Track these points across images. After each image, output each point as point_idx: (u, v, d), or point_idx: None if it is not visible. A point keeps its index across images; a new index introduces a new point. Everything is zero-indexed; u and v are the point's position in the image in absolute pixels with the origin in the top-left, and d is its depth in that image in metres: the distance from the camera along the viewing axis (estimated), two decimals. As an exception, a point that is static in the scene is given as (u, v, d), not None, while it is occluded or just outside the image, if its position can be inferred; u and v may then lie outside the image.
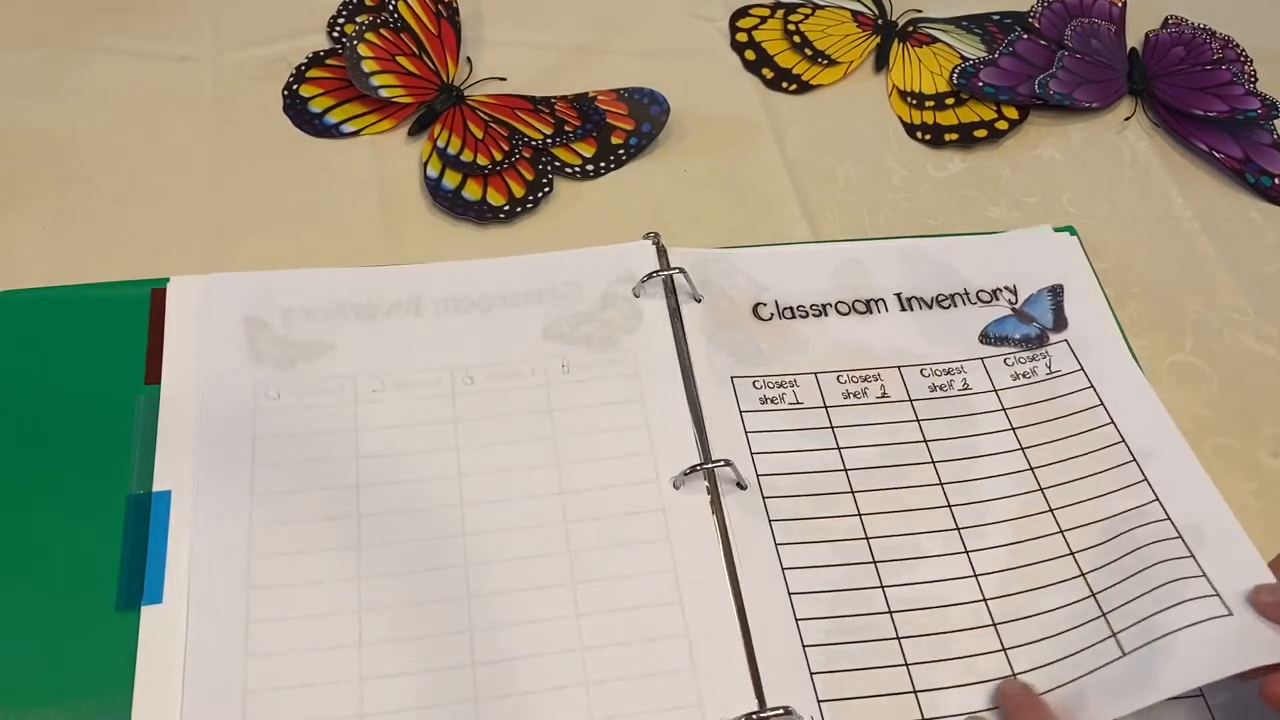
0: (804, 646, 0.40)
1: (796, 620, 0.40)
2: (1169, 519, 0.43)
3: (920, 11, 0.64)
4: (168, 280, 0.46)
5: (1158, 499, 0.44)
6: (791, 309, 0.49)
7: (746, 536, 0.42)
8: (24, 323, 0.45)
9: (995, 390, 0.47)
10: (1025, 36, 0.62)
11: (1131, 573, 0.41)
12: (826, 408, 0.46)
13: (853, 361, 0.48)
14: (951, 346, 0.49)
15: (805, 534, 0.42)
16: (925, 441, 0.46)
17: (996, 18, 0.65)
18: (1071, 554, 0.43)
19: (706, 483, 0.43)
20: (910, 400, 0.47)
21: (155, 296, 0.46)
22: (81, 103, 0.54)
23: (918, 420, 0.46)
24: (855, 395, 0.46)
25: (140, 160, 0.52)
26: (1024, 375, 0.48)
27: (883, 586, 0.41)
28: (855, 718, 0.38)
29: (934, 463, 0.45)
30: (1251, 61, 0.63)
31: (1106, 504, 0.44)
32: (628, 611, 0.40)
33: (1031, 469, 0.45)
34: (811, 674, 0.39)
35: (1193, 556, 0.41)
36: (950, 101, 0.59)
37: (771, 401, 0.46)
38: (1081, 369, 0.48)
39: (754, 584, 0.41)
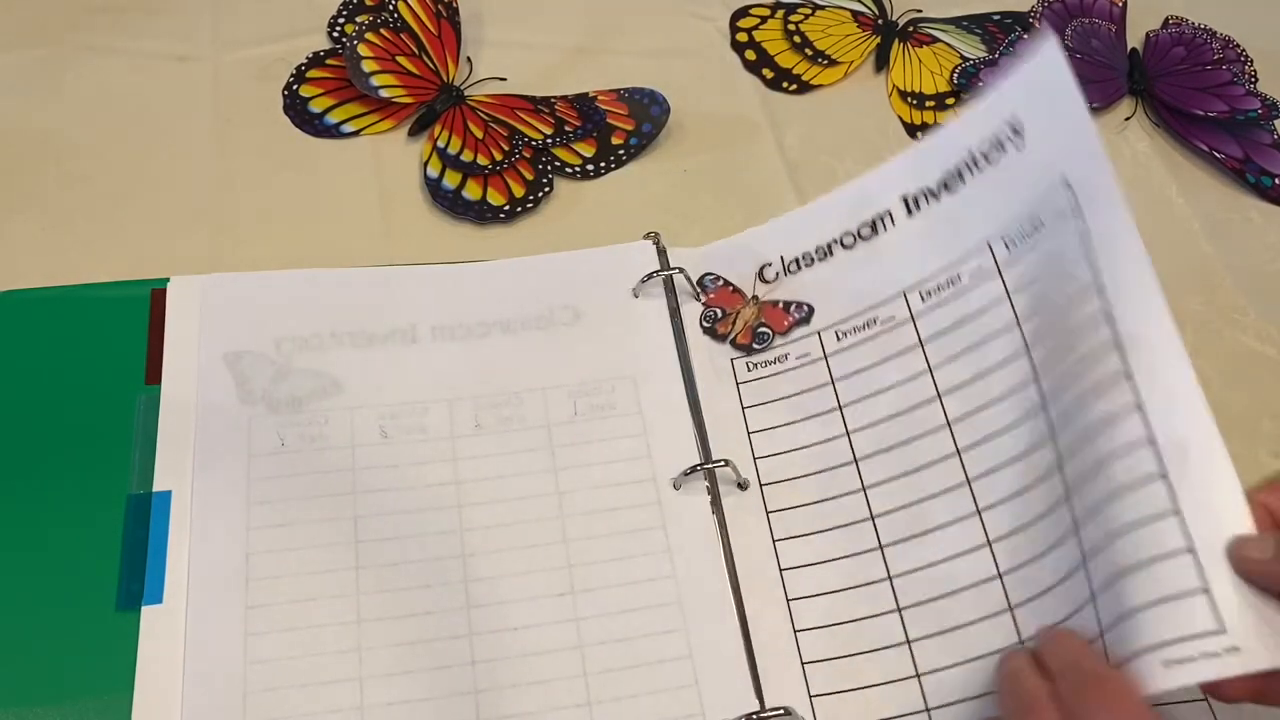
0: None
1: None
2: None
3: (920, 11, 0.64)
4: (168, 280, 0.46)
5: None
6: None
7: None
8: (24, 323, 0.45)
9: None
10: (1025, 36, 0.62)
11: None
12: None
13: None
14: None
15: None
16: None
17: (996, 18, 0.65)
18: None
19: (707, 483, 0.43)
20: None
21: (155, 296, 0.46)
22: (81, 103, 0.54)
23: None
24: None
25: (140, 160, 0.52)
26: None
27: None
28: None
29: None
30: (1251, 61, 0.63)
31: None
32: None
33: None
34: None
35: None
36: (950, 101, 0.59)
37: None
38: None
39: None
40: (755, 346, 0.47)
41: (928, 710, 0.39)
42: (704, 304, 0.48)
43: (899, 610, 0.40)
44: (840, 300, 0.46)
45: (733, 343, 0.47)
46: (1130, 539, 0.33)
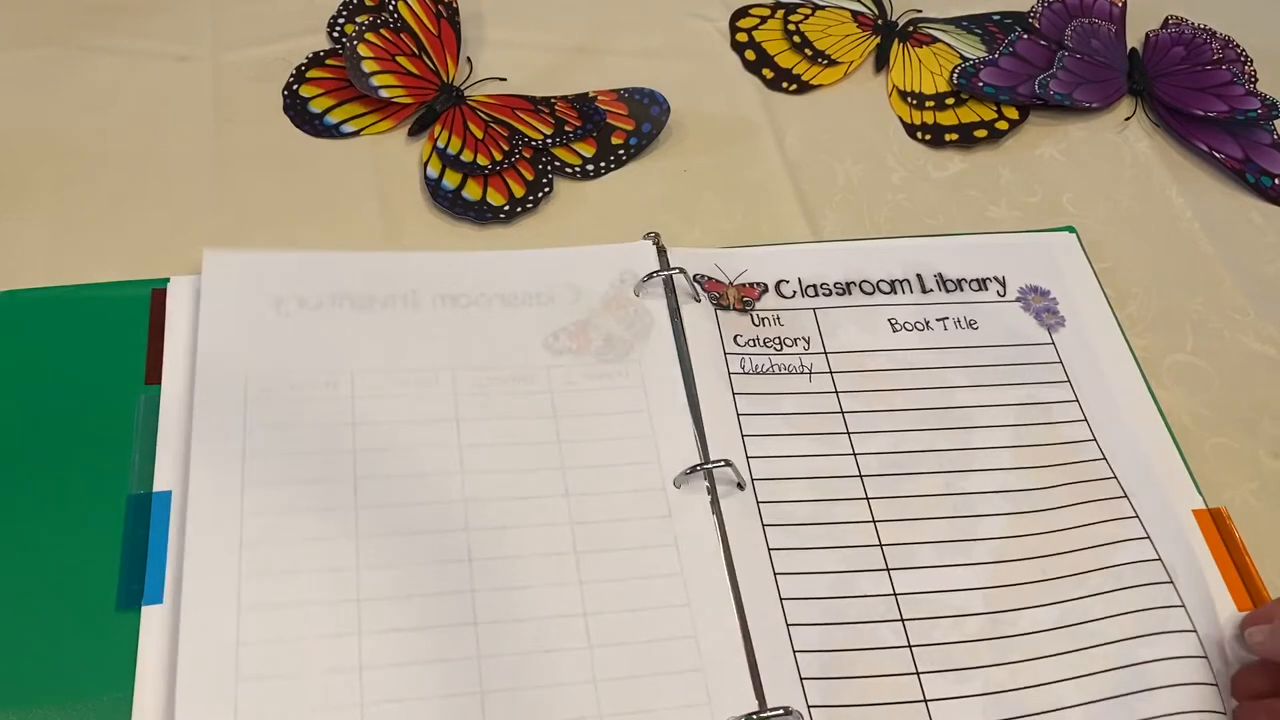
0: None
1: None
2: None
3: (920, 11, 0.64)
4: (168, 280, 0.46)
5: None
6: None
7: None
8: (24, 323, 0.45)
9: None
10: (1025, 36, 0.62)
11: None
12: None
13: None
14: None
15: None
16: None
17: (996, 18, 0.65)
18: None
19: (706, 483, 0.43)
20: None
21: (155, 296, 0.46)
22: (81, 103, 0.54)
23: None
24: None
25: (140, 160, 0.52)
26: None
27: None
28: None
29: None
30: (1251, 61, 0.63)
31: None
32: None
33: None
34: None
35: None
36: (950, 101, 0.59)
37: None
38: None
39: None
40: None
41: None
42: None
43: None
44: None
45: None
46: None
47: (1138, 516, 0.44)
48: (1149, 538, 0.43)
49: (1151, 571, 0.42)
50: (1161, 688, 0.39)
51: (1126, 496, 0.45)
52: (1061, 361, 0.48)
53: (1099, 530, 0.44)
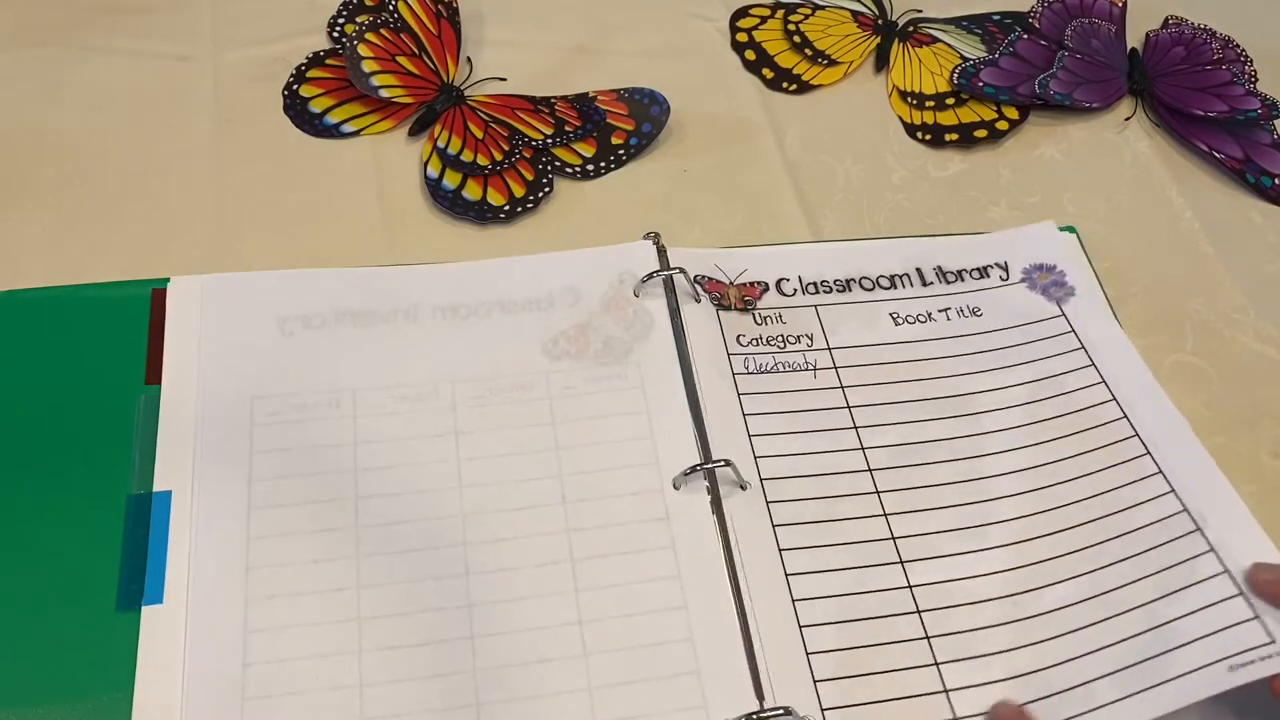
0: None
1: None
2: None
3: (920, 11, 0.64)
4: (168, 280, 0.46)
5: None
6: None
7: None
8: (24, 323, 0.45)
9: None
10: (1025, 36, 0.62)
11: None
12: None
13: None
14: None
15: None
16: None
17: (996, 18, 0.65)
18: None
19: (707, 483, 0.43)
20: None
21: (155, 296, 0.46)
22: (81, 103, 0.54)
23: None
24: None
25: (140, 160, 0.52)
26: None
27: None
28: None
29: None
30: (1251, 61, 0.63)
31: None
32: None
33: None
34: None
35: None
36: (950, 101, 0.59)
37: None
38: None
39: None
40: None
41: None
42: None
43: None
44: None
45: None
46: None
47: (1161, 472, 0.44)
48: (1174, 491, 0.43)
49: (1178, 525, 0.42)
50: (1194, 641, 0.39)
51: (1149, 453, 0.45)
52: (1074, 330, 0.49)
53: (1123, 494, 0.43)
